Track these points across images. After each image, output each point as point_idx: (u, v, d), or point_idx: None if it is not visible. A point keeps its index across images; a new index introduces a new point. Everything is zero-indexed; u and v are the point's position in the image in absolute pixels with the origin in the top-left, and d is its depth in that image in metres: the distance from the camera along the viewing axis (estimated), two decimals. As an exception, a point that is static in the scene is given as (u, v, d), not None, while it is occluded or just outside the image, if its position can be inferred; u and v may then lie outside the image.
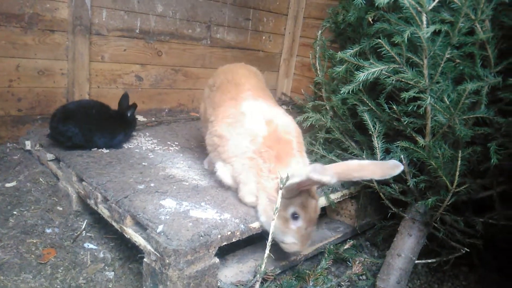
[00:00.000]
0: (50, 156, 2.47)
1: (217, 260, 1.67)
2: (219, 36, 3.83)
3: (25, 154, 2.69)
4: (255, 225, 1.84)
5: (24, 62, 2.77)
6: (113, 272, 1.87)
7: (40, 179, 2.43)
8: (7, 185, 2.33)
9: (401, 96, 1.73)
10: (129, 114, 2.56)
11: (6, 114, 2.78)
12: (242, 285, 1.75)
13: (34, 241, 1.95)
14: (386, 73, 1.77)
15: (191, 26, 3.59)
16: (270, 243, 1.67)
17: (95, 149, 2.42)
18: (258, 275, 1.74)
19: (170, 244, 1.53)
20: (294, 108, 4.14)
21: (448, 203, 1.86)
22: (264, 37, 4.24)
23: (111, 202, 1.86)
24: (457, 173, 1.73)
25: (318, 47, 2.41)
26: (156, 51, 3.42)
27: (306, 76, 4.40)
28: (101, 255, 1.97)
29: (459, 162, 1.70)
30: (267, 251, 1.70)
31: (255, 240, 2.15)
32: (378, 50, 1.78)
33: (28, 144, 2.68)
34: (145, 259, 1.63)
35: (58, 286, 1.73)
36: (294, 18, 4.36)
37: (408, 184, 1.96)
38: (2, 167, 2.51)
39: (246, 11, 3.98)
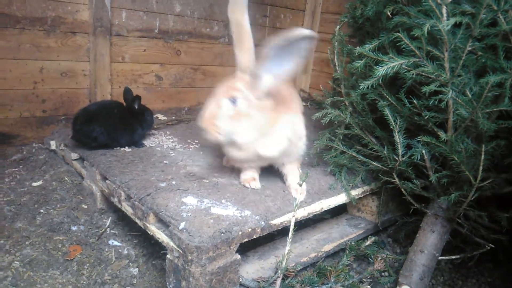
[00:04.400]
0: (74, 155, 2.53)
1: (238, 256, 1.68)
2: (237, 34, 3.84)
3: (50, 154, 2.77)
4: (276, 221, 1.85)
5: (47, 64, 2.84)
6: (137, 268, 1.91)
7: (65, 178, 2.49)
8: (34, 184, 2.41)
9: (422, 90, 1.71)
10: (136, 106, 2.57)
11: (31, 115, 2.86)
12: (264, 281, 1.76)
13: (61, 239, 2.01)
14: (406, 67, 1.74)
15: (209, 25, 3.61)
16: (290, 240, 1.68)
17: (118, 148, 2.47)
18: (279, 272, 1.75)
19: (192, 240, 1.56)
20: (313, 104, 4.13)
21: (472, 199, 1.82)
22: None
23: (134, 200, 1.90)
24: (481, 168, 1.69)
25: (336, 43, 2.39)
26: (175, 50, 3.45)
27: (324, 72, 4.37)
28: (125, 251, 2.01)
29: (483, 156, 1.66)
30: (287, 248, 1.71)
31: (276, 237, 2.17)
32: (398, 44, 1.76)
33: (53, 144, 2.75)
34: (168, 256, 1.66)
35: (84, 282, 1.78)
36: (312, 13, 4.33)
37: (430, 179, 1.93)
38: (28, 166, 2.59)
39: (263, 8, 3.98)
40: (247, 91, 1.79)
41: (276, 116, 1.87)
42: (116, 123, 2.43)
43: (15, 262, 1.80)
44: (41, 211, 2.18)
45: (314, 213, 2.09)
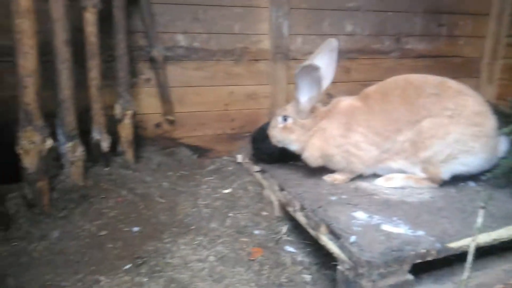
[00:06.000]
0: (256, 168, 2.85)
1: (411, 277, 1.65)
2: (409, 47, 3.73)
3: (237, 166, 3.16)
4: (454, 245, 1.75)
5: (236, 88, 3.30)
6: (310, 275, 2.01)
7: (249, 187, 2.78)
8: (224, 191, 2.77)
9: None
10: None
11: (223, 133, 3.36)
12: (439, 305, 1.68)
13: (245, 240, 2.24)
14: None
15: (380, 41, 3.61)
16: (470, 264, 1.57)
17: (293, 162, 2.69)
18: (456, 298, 1.64)
19: (363, 255, 1.60)
20: (499, 117, 3.67)
21: None
22: (460, 42, 3.91)
23: (307, 210, 2.04)
24: None
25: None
26: (345, 68, 3.56)
27: (514, 80, 3.85)
28: (300, 258, 2.14)
29: None
30: (465, 273, 1.60)
31: (454, 262, 2.03)
32: None
33: (239, 158, 3.15)
34: (339, 267, 1.71)
35: (264, 282, 1.94)
36: (498, 17, 3.88)
37: None
38: (220, 176, 3.01)
39: (439, 16, 3.77)
40: (293, 111, 2.35)
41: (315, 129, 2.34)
42: None
43: (210, 256, 2.08)
44: (230, 214, 2.48)
45: (500, 240, 1.88)
